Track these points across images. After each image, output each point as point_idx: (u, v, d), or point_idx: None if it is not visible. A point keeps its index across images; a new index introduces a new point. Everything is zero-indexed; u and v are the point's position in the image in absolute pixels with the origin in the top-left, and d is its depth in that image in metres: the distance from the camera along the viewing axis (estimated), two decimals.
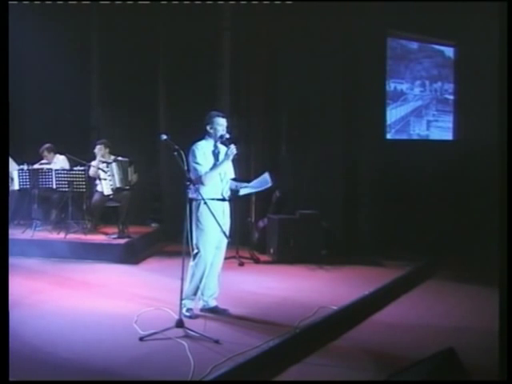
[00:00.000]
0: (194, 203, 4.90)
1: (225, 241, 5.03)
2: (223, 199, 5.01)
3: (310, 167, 8.62)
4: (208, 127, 5.02)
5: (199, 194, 4.76)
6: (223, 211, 4.98)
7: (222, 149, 5.03)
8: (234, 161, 5.07)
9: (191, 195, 4.84)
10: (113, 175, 7.88)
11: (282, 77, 9.04)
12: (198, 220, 4.89)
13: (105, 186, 7.87)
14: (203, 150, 4.96)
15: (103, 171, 7.87)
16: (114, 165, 7.91)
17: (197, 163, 4.88)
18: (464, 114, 9.21)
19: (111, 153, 8.12)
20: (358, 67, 8.72)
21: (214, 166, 4.94)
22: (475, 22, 7.96)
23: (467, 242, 7.78)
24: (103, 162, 7.95)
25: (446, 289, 6.19)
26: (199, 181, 4.84)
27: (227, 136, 4.99)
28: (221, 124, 5.01)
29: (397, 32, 9.21)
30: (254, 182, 5.25)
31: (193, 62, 9.06)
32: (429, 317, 5.22)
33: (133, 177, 8.03)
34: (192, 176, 4.86)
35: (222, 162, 4.95)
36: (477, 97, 8.38)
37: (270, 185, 5.23)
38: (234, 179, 5.16)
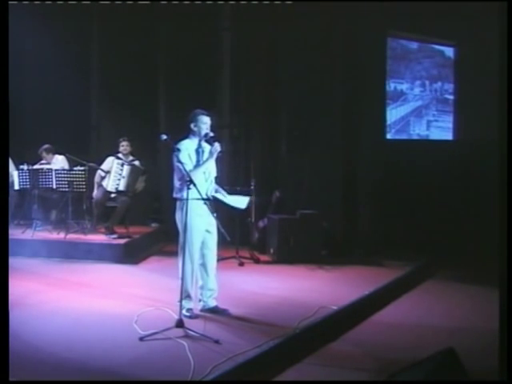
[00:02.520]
0: (178, 203, 4.88)
1: (213, 240, 5.01)
2: (207, 199, 4.95)
3: (309, 167, 8.62)
4: (192, 125, 5.00)
5: (183, 194, 4.72)
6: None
7: (206, 147, 5.01)
8: (217, 160, 5.05)
9: (175, 195, 4.82)
10: (122, 176, 7.84)
11: (282, 77, 9.04)
12: (182, 220, 4.78)
13: (110, 183, 7.81)
14: (187, 149, 4.92)
15: (118, 168, 7.82)
16: (127, 167, 7.86)
17: (181, 162, 4.79)
18: (464, 114, 9.21)
19: (132, 153, 8.11)
20: (358, 67, 8.72)
21: (198, 164, 4.92)
22: (475, 22, 7.96)
23: (467, 242, 7.77)
24: (118, 158, 7.93)
25: (446, 289, 6.18)
26: (183, 180, 4.77)
27: (211, 134, 4.97)
28: (205, 122, 4.98)
29: (397, 32, 9.22)
30: (232, 198, 5.23)
31: (193, 62, 9.06)
32: (429, 317, 5.21)
33: (140, 185, 8.01)
34: (176, 176, 4.85)
35: (207, 160, 4.94)
36: (477, 97, 8.39)
37: (243, 208, 5.31)
38: (216, 178, 5.14)
